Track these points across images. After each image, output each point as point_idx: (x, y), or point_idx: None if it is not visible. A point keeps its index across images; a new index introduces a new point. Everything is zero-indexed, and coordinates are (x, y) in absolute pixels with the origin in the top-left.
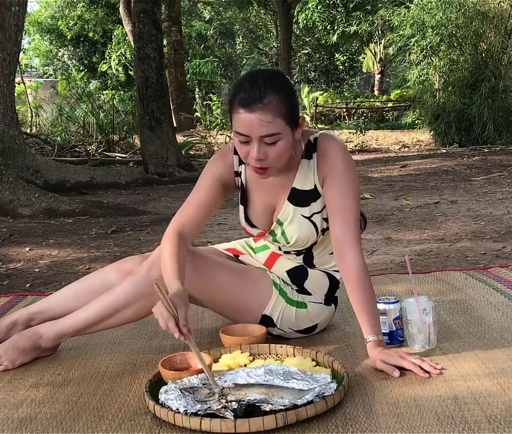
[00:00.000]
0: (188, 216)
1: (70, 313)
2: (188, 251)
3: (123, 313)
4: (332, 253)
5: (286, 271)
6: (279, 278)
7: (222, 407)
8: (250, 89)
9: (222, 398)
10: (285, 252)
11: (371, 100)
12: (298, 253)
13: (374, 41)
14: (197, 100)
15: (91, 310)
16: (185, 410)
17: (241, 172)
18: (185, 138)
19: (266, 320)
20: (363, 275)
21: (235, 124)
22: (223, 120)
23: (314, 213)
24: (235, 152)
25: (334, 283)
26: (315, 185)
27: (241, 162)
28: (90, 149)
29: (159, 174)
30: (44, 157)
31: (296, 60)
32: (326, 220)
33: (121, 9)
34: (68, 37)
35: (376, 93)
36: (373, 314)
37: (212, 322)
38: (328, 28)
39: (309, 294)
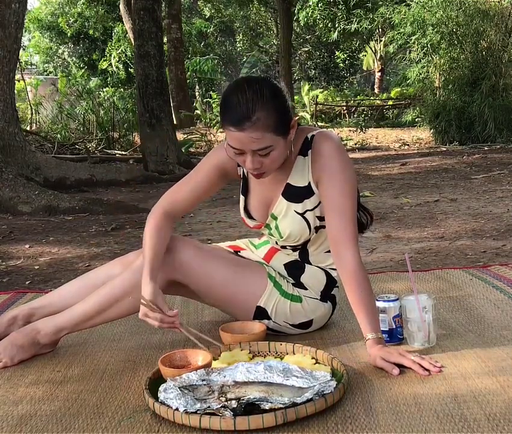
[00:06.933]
0: (181, 196)
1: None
2: (182, 240)
3: (121, 304)
4: (328, 252)
5: (283, 264)
6: (275, 271)
7: (222, 406)
8: (238, 106)
9: (222, 396)
10: (282, 247)
11: (372, 98)
12: (294, 249)
13: (375, 39)
14: (197, 98)
15: (89, 302)
16: (185, 410)
17: None
18: (185, 136)
19: (261, 313)
20: (360, 274)
21: (228, 139)
22: None
23: (307, 210)
24: None
25: (331, 281)
26: (309, 183)
27: None
28: (90, 147)
29: (159, 172)
30: (44, 154)
31: (296, 58)
32: (319, 218)
33: (121, 6)
34: (69, 35)
35: (376, 91)
36: (371, 312)
37: (212, 319)
38: (329, 25)
39: (305, 289)
